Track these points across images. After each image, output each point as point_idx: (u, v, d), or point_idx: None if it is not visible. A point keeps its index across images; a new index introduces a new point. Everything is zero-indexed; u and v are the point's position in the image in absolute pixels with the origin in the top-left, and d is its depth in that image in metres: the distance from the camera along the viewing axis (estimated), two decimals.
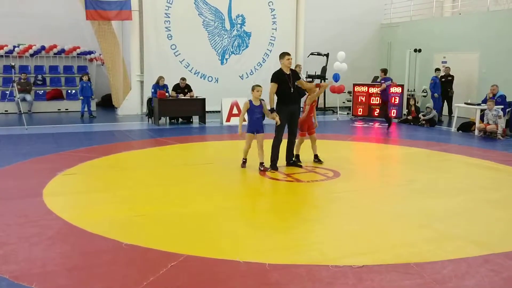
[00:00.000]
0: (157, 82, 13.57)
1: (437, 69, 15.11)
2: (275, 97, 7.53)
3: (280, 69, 7.55)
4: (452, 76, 15.46)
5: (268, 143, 7.68)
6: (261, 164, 7.58)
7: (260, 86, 7.64)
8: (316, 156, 8.30)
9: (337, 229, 5.05)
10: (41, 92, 16.55)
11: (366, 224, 5.19)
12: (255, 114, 7.58)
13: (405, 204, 5.98)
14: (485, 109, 11.97)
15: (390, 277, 3.81)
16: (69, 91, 17.10)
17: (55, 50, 17.29)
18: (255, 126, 7.60)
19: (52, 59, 17.51)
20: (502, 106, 12.12)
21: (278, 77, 7.46)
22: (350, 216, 5.46)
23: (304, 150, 8.41)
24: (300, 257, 4.21)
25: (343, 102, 17.61)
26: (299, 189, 6.76)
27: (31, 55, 17.02)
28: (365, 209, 5.74)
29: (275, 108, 7.51)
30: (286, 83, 7.46)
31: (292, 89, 7.49)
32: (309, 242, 4.67)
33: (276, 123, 7.51)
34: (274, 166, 7.59)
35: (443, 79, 15.58)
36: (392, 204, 5.97)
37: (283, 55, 7.56)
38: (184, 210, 5.59)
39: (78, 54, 17.70)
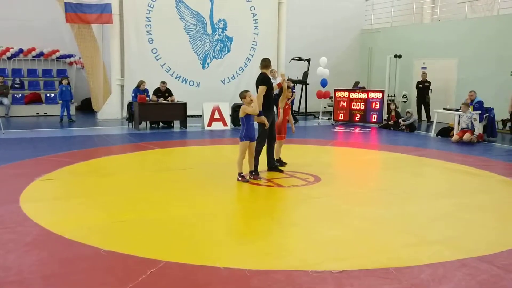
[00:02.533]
0: (138, 86, 13.47)
1: None
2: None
3: (266, 73, 7.56)
4: (429, 82, 15.79)
5: None
6: (251, 172, 7.40)
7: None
8: (278, 160, 8.28)
9: (317, 234, 5.07)
10: (19, 95, 16.29)
11: (346, 229, 5.22)
12: (251, 119, 7.18)
13: (385, 209, 6.03)
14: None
15: (369, 282, 3.84)
16: (48, 95, 16.86)
17: (33, 53, 17.04)
18: (252, 132, 7.18)
19: (31, 62, 17.26)
20: (480, 112, 12.34)
21: (268, 81, 7.49)
22: (330, 221, 5.49)
23: (285, 156, 8.44)
24: (280, 263, 4.21)
25: (324, 107, 17.73)
26: (280, 194, 6.77)
27: (9, 58, 16.73)
28: (345, 214, 5.78)
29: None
30: (272, 88, 7.53)
31: (274, 95, 7.58)
32: (289, 247, 4.67)
33: (264, 126, 7.42)
34: (255, 172, 7.58)
35: (420, 85, 15.89)
36: (372, 209, 6.02)
37: (270, 63, 7.62)
38: (164, 216, 5.55)
39: (57, 57, 17.47)
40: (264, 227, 5.32)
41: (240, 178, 7.20)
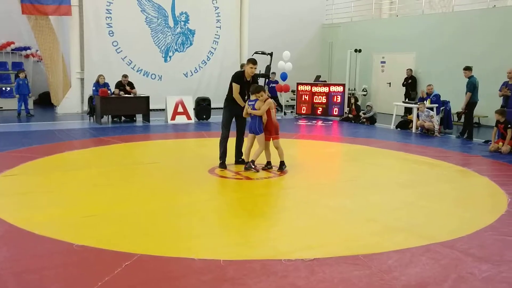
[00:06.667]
0: (97, 81, 13.25)
1: None
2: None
3: (243, 71, 7.67)
4: (414, 78, 15.83)
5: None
6: (247, 162, 7.56)
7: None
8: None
9: (288, 224, 5.19)
10: None
11: (315, 218, 5.37)
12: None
13: (351, 199, 6.22)
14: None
15: (340, 268, 3.98)
16: (4, 88, 16.29)
17: None
18: (261, 125, 7.48)
19: None
20: (437, 105, 12.79)
21: (239, 78, 7.61)
22: (299, 212, 5.63)
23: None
24: (253, 253, 4.31)
25: (287, 101, 17.92)
26: (249, 186, 6.85)
27: None
28: (313, 204, 5.93)
29: (227, 105, 7.71)
30: (242, 88, 7.61)
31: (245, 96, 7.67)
32: (261, 237, 4.77)
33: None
34: (223, 164, 7.67)
35: (404, 82, 15.92)
36: (339, 199, 6.20)
37: (248, 61, 7.66)
38: (134, 209, 5.53)
39: (12, 49, 16.88)
40: (236, 218, 5.40)
41: (252, 167, 7.42)
